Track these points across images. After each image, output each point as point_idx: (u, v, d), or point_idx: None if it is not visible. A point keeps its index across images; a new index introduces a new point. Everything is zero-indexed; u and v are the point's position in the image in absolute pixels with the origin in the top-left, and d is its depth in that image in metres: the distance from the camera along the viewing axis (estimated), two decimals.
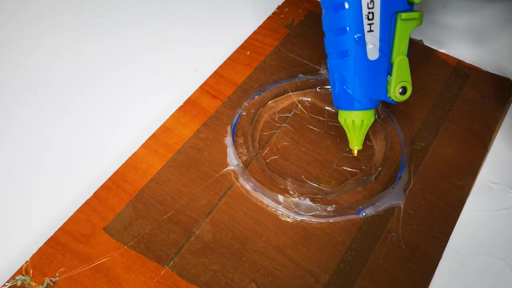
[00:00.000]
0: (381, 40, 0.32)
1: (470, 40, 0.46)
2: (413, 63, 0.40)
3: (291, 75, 0.42)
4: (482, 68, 0.43)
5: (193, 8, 0.50)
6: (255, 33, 0.46)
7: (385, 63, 0.33)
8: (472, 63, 0.44)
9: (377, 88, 0.33)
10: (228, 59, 0.44)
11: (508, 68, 0.43)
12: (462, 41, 0.46)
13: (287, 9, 0.48)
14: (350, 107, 0.34)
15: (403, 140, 0.38)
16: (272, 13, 0.48)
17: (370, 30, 0.32)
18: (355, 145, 0.36)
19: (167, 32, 0.48)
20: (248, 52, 0.45)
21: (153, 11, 0.50)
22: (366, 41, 0.32)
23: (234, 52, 0.45)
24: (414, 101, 0.41)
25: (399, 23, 0.32)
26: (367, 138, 0.39)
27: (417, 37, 0.46)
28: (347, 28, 0.32)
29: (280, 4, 0.49)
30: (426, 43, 0.45)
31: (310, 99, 0.41)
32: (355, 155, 0.36)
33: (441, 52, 0.44)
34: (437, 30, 0.47)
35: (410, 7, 0.32)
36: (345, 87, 0.33)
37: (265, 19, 0.47)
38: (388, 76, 0.33)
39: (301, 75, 0.42)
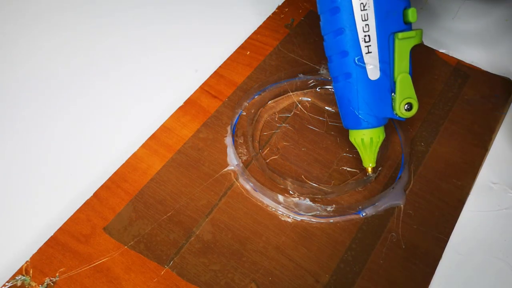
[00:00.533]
0: (381, 60, 0.33)
1: (470, 40, 0.46)
2: (413, 63, 0.40)
3: (291, 75, 0.42)
4: (482, 68, 0.43)
5: (193, 8, 0.50)
6: (255, 33, 0.46)
7: (388, 82, 0.33)
8: (472, 63, 0.44)
9: (383, 106, 0.34)
10: (228, 59, 0.44)
11: (508, 68, 0.43)
12: (462, 41, 0.46)
13: (287, 9, 0.48)
14: (358, 126, 0.35)
15: (403, 140, 0.38)
16: (272, 13, 0.48)
17: (369, 52, 0.33)
18: (368, 163, 0.36)
19: (167, 32, 0.48)
20: (248, 52, 0.45)
21: (153, 11, 0.50)
22: (365, 62, 0.33)
23: (234, 52, 0.45)
24: None
25: (397, 42, 0.33)
26: None
27: None
28: (347, 51, 0.33)
29: (280, 4, 0.49)
30: (426, 43, 0.45)
31: (310, 99, 0.41)
32: (369, 173, 0.36)
33: (441, 52, 0.44)
34: (437, 30, 0.47)
35: (407, 27, 0.33)
36: (351, 108, 0.34)
37: (265, 19, 0.47)
38: (393, 94, 0.34)
39: (301, 75, 0.42)
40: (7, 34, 0.48)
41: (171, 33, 0.48)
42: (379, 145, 0.35)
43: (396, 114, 0.34)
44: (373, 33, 0.32)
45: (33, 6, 0.51)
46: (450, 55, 0.44)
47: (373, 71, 0.33)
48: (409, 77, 0.34)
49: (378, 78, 0.33)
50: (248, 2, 0.50)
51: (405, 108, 0.34)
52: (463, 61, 0.44)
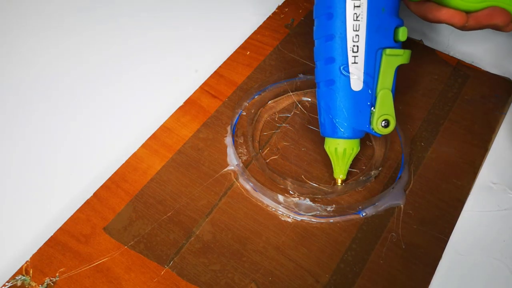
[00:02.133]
0: (365, 72, 0.33)
1: (470, 40, 0.46)
2: (413, 63, 0.40)
3: (291, 75, 0.42)
4: (482, 68, 0.43)
5: (193, 8, 0.50)
6: (255, 33, 0.46)
7: (369, 95, 0.34)
8: (472, 63, 0.44)
9: (361, 118, 0.34)
10: (228, 59, 0.44)
11: (508, 68, 0.43)
12: (462, 41, 0.46)
13: (287, 9, 0.48)
14: (334, 134, 0.35)
15: (403, 140, 0.38)
16: (272, 13, 0.48)
17: (355, 62, 0.33)
18: (339, 174, 0.36)
19: (167, 32, 0.48)
20: (248, 52, 0.45)
21: (153, 12, 0.50)
22: (350, 72, 0.33)
23: (234, 52, 0.45)
24: (414, 101, 0.41)
25: (384, 58, 0.33)
26: (367, 138, 0.39)
27: (417, 37, 0.46)
28: (334, 58, 0.33)
29: (280, 4, 0.49)
30: (426, 43, 0.45)
31: (310, 99, 0.41)
32: (339, 184, 0.36)
33: (441, 52, 0.44)
34: (437, 30, 0.47)
35: (396, 45, 0.34)
36: (330, 115, 0.34)
37: (265, 19, 0.47)
38: (372, 108, 0.34)
39: (301, 75, 0.42)
40: (11, 38, 0.48)
41: (171, 33, 0.48)
42: (352, 157, 0.35)
43: (373, 129, 0.34)
44: (362, 44, 0.33)
45: (35, 11, 0.51)
46: (450, 55, 0.44)
47: (356, 82, 0.33)
48: (390, 94, 0.34)
49: (360, 90, 0.33)
50: (248, 2, 0.50)
51: (382, 124, 0.34)
52: (463, 61, 0.44)
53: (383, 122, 0.34)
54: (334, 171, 0.36)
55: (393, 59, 0.33)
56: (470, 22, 0.35)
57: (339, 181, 0.36)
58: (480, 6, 0.34)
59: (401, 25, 0.33)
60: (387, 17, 0.33)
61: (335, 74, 0.33)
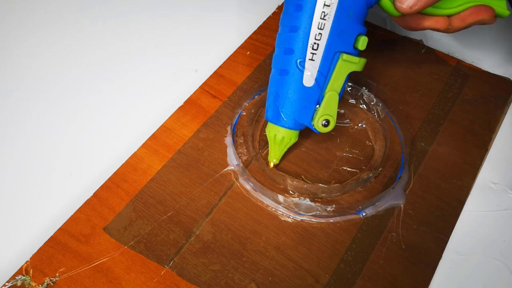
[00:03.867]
0: (319, 71, 0.34)
1: (470, 40, 0.46)
2: (413, 63, 0.40)
3: None
4: (482, 68, 0.43)
5: (193, 8, 0.50)
6: (255, 33, 0.46)
7: (317, 93, 0.34)
8: (472, 63, 0.44)
9: (305, 113, 0.35)
10: (228, 59, 0.44)
11: (508, 68, 0.43)
12: (462, 41, 0.46)
13: None
14: (276, 122, 0.36)
15: (403, 140, 0.38)
16: (272, 13, 0.48)
17: (312, 59, 0.33)
18: (273, 158, 0.37)
19: (167, 32, 0.48)
20: (248, 52, 0.45)
21: (153, 12, 0.50)
22: (305, 67, 0.34)
23: (234, 52, 0.45)
24: (414, 101, 0.41)
25: (339, 62, 0.34)
26: (367, 138, 0.39)
27: (417, 37, 0.46)
28: (293, 50, 0.34)
29: (280, 4, 0.49)
30: (426, 43, 0.45)
31: None
32: (270, 167, 0.37)
33: (441, 52, 0.44)
34: None
35: (354, 52, 0.34)
36: (276, 103, 0.35)
37: (265, 19, 0.47)
38: (317, 106, 0.35)
39: None
40: (10, 37, 0.48)
41: (171, 33, 0.48)
42: (288, 145, 0.37)
43: (313, 125, 0.35)
44: (322, 43, 0.33)
45: (35, 11, 0.51)
46: (450, 55, 0.44)
47: (309, 78, 0.34)
48: (337, 97, 0.35)
49: (311, 87, 0.34)
50: (248, 2, 0.50)
51: (322, 123, 0.35)
52: (463, 61, 0.44)
53: (324, 121, 0.35)
54: (269, 154, 0.37)
55: (347, 65, 0.34)
56: (455, 23, 0.35)
57: (271, 164, 0.37)
58: (462, 8, 0.35)
59: (363, 33, 0.34)
60: (353, 23, 0.33)
61: (291, 66, 0.34)
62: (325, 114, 0.35)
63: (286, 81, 0.34)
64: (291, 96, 0.34)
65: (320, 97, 0.35)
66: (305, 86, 0.34)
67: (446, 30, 0.36)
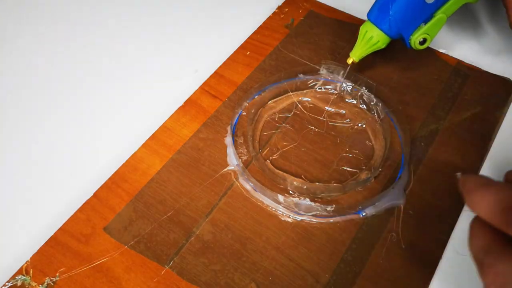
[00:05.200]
0: None
1: (470, 40, 0.46)
2: (413, 63, 0.40)
3: (291, 75, 0.42)
4: (482, 68, 0.43)
5: (193, 8, 0.50)
6: (255, 33, 0.46)
7: (432, 11, 0.37)
8: (472, 63, 0.44)
9: (411, 25, 0.37)
10: (228, 59, 0.44)
11: (508, 68, 0.43)
12: (462, 41, 0.46)
13: (287, 9, 0.48)
14: (378, 23, 0.37)
15: (403, 140, 0.38)
16: (272, 13, 0.48)
17: None
18: (354, 56, 0.39)
19: (167, 32, 0.48)
20: (248, 52, 0.45)
21: (153, 11, 0.50)
22: None
23: (234, 52, 0.45)
24: (414, 101, 0.41)
25: None
26: (367, 138, 0.39)
27: None
28: None
29: (280, 4, 0.49)
30: None
31: (310, 99, 0.41)
32: (349, 63, 0.39)
33: (441, 52, 0.44)
34: None
35: None
36: (389, 6, 0.36)
37: (265, 19, 0.47)
38: (423, 23, 0.37)
39: (301, 75, 0.42)
40: (7, 34, 0.48)
41: (171, 33, 0.48)
42: (374, 49, 0.38)
43: (410, 39, 0.37)
44: None
45: (35, 11, 0.51)
46: (450, 55, 0.44)
47: None
48: (445, 20, 0.37)
49: (430, 3, 0.36)
50: (248, 2, 0.50)
51: (420, 40, 0.37)
52: (463, 61, 0.44)
53: (422, 39, 0.37)
54: (352, 51, 0.39)
55: None
56: None
57: (350, 61, 0.39)
58: None
59: None
60: None
61: None
62: (426, 33, 0.37)
63: None
64: (408, 6, 0.35)
65: (430, 16, 0.36)
66: (425, 1, 0.35)
67: None
